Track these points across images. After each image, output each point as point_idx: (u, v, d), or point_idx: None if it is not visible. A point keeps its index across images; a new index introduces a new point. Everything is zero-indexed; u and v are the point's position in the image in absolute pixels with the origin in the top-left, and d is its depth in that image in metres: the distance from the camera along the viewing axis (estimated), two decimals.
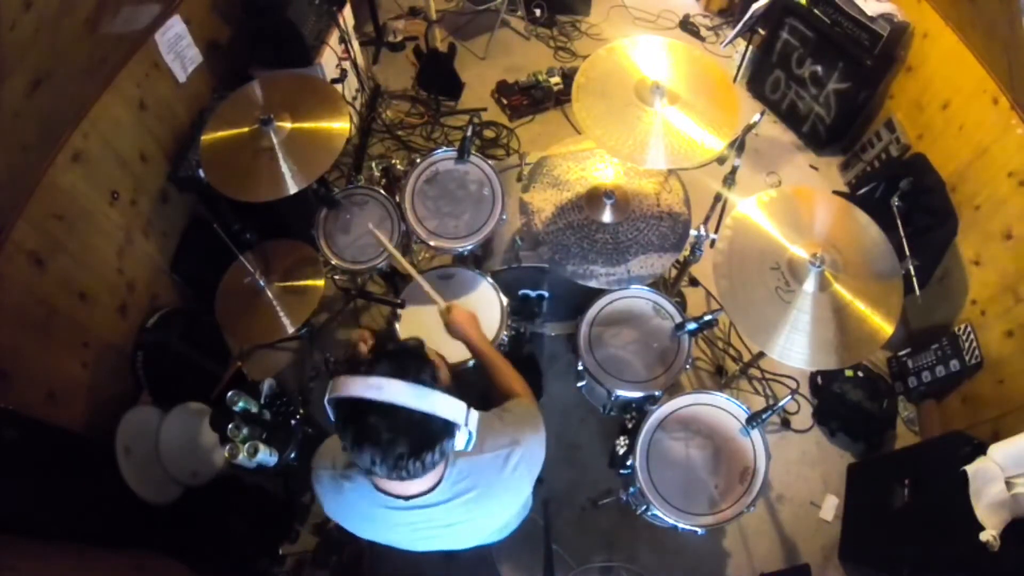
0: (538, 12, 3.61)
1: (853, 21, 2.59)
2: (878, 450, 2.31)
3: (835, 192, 2.80)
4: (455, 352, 1.83)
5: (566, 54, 3.55)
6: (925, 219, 2.28)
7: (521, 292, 2.09)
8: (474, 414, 0.97)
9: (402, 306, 1.91)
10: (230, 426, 1.58)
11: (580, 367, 1.87)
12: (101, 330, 1.91)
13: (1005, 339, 2.02)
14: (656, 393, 1.81)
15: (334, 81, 2.57)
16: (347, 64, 2.78)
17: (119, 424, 1.80)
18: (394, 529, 1.09)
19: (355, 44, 2.97)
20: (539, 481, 1.21)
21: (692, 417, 1.72)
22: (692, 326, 1.79)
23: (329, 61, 2.67)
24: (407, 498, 1.02)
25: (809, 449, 2.34)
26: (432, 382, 0.93)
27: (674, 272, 2.34)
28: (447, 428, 0.93)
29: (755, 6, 2.58)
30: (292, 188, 1.74)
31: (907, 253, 2.11)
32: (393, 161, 2.20)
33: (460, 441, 0.97)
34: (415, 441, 0.89)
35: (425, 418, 0.90)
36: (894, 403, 2.34)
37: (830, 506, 2.21)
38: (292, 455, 1.70)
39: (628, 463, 1.70)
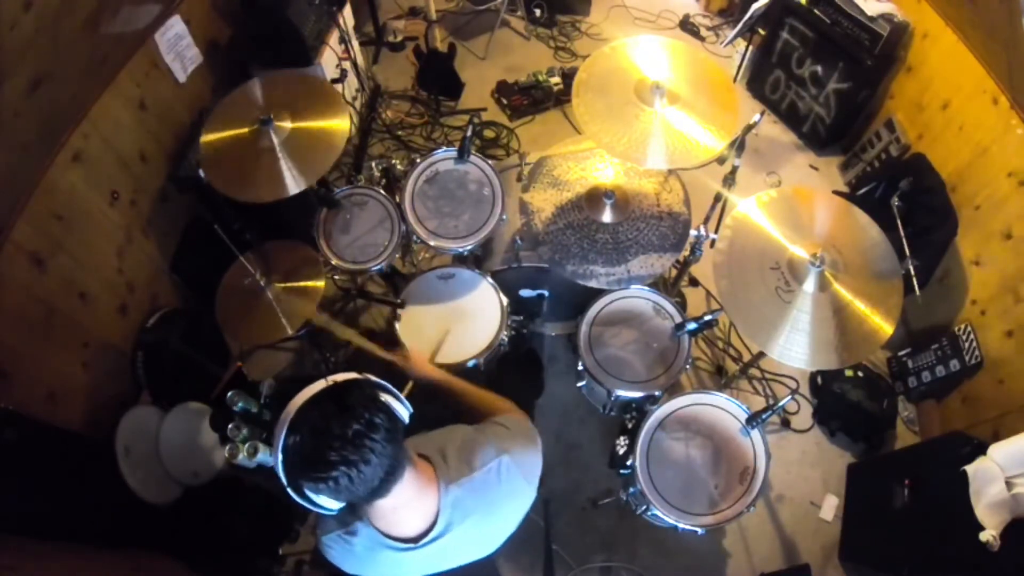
0: (538, 12, 3.61)
1: (853, 21, 2.59)
2: (878, 450, 2.31)
3: (835, 192, 2.80)
4: (454, 353, 1.85)
5: (566, 54, 3.54)
6: (925, 219, 2.28)
7: (521, 292, 2.09)
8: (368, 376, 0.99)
9: (402, 306, 1.91)
10: (230, 426, 1.57)
11: (580, 367, 1.87)
12: (101, 330, 1.91)
13: (1005, 339, 2.01)
14: (656, 393, 1.81)
15: (334, 81, 2.56)
16: (347, 64, 2.77)
17: (119, 424, 1.79)
18: (413, 568, 1.09)
19: (355, 44, 2.97)
20: (539, 482, 1.20)
21: (692, 417, 1.72)
22: (692, 326, 1.79)
23: (329, 61, 2.67)
24: (414, 540, 1.02)
25: (809, 449, 2.34)
26: (318, 370, 0.96)
27: (674, 272, 2.34)
28: (361, 389, 0.94)
29: (755, 6, 2.58)
30: (292, 189, 1.74)
31: (907, 253, 2.11)
32: (393, 161, 2.19)
33: (399, 408, 0.97)
34: (338, 412, 0.88)
35: (333, 391, 0.91)
36: (894, 403, 2.34)
37: (830, 506, 2.21)
38: None
39: (628, 463, 1.70)
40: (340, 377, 0.95)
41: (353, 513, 1.04)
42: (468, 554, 1.12)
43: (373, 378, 0.99)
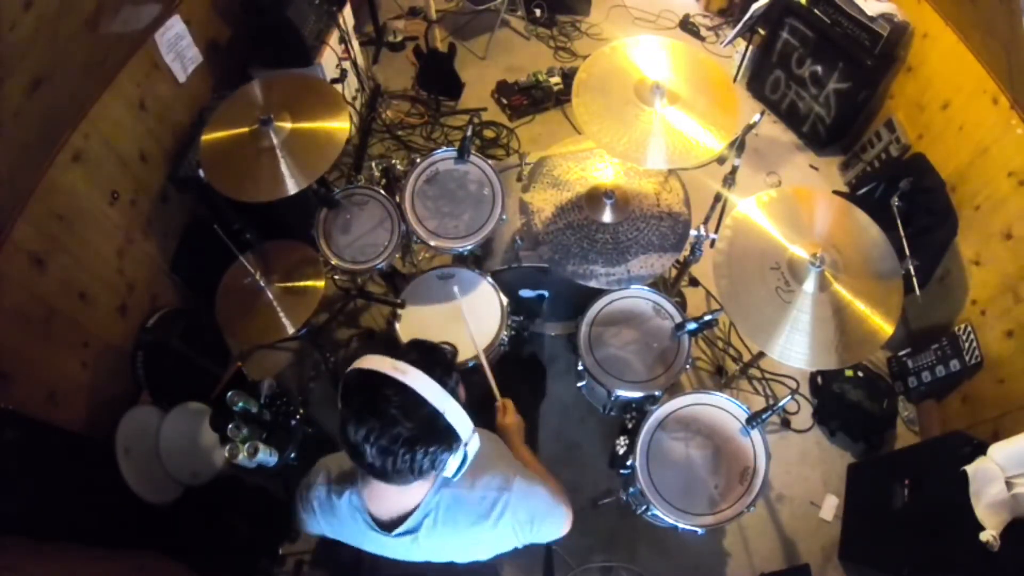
0: (538, 12, 3.61)
1: (853, 21, 2.59)
2: (878, 450, 2.31)
3: (835, 192, 2.80)
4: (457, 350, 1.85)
5: (566, 54, 3.55)
6: (925, 219, 2.28)
7: (521, 292, 2.09)
8: (476, 440, 0.97)
9: (402, 306, 1.91)
10: (230, 426, 1.58)
11: (580, 367, 1.87)
12: (101, 330, 1.91)
13: (1005, 339, 2.01)
14: (656, 393, 1.81)
15: (334, 81, 2.56)
16: (347, 64, 2.78)
17: (119, 424, 1.80)
18: (384, 549, 1.10)
19: (355, 44, 2.97)
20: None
21: (692, 417, 1.72)
22: (692, 326, 1.78)
23: (329, 61, 2.67)
24: (388, 527, 1.03)
25: (809, 449, 2.34)
26: (453, 388, 0.94)
27: (674, 272, 2.34)
28: (447, 437, 0.92)
29: (755, 6, 2.59)
30: (292, 188, 1.74)
31: (907, 253, 2.11)
32: (393, 161, 2.19)
33: (452, 464, 0.96)
34: (416, 430, 0.88)
35: (433, 415, 0.90)
36: (894, 403, 2.34)
37: (830, 506, 2.21)
38: (292, 455, 1.70)
39: (628, 463, 1.69)
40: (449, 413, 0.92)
41: (350, 480, 1.06)
42: (435, 556, 1.13)
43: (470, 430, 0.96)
